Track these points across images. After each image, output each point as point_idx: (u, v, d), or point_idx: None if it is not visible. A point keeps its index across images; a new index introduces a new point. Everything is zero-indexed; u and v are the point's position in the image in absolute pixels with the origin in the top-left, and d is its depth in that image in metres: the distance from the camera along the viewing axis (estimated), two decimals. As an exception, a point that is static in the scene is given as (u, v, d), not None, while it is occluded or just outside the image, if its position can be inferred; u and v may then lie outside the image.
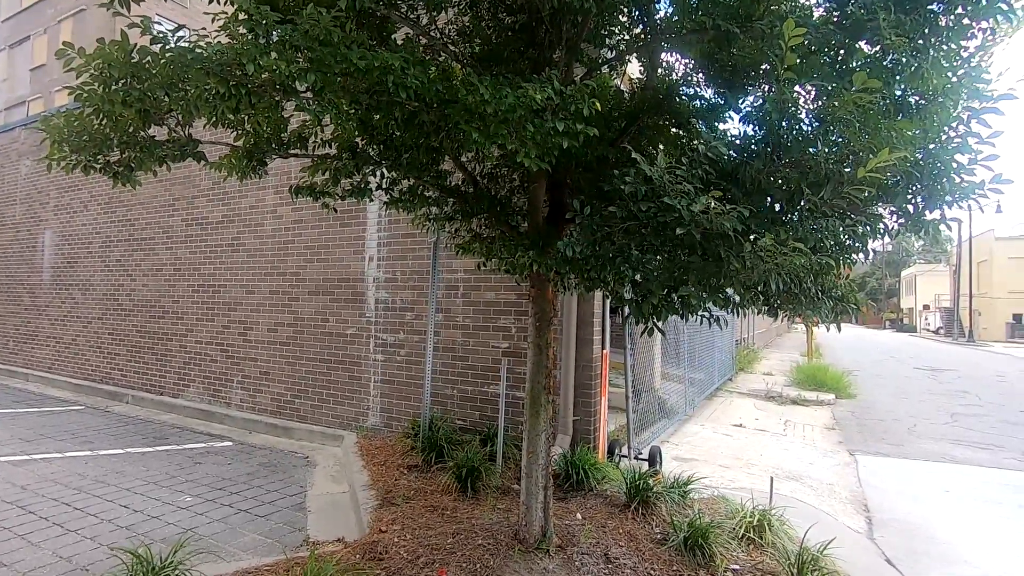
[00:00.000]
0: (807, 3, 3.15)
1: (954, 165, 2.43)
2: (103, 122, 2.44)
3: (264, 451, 6.66)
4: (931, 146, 2.54)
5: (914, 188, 2.50)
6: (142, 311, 9.40)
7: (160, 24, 2.48)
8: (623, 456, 5.95)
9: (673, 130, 4.19)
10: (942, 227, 2.77)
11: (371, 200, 3.83)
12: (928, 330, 50.20)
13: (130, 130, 2.57)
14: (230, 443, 6.96)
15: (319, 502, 5.07)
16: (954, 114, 2.56)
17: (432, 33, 3.79)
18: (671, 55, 4.21)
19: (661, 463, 5.77)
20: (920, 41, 2.35)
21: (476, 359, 6.23)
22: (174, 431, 7.49)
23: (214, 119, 2.55)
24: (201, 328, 8.61)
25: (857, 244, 2.80)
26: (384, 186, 3.82)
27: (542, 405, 4.01)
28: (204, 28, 2.58)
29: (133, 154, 2.65)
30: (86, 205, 10.43)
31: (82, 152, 2.53)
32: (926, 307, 54.25)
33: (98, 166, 2.63)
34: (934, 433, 8.93)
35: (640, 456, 5.99)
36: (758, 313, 3.03)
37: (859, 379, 14.43)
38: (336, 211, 4.15)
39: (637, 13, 3.92)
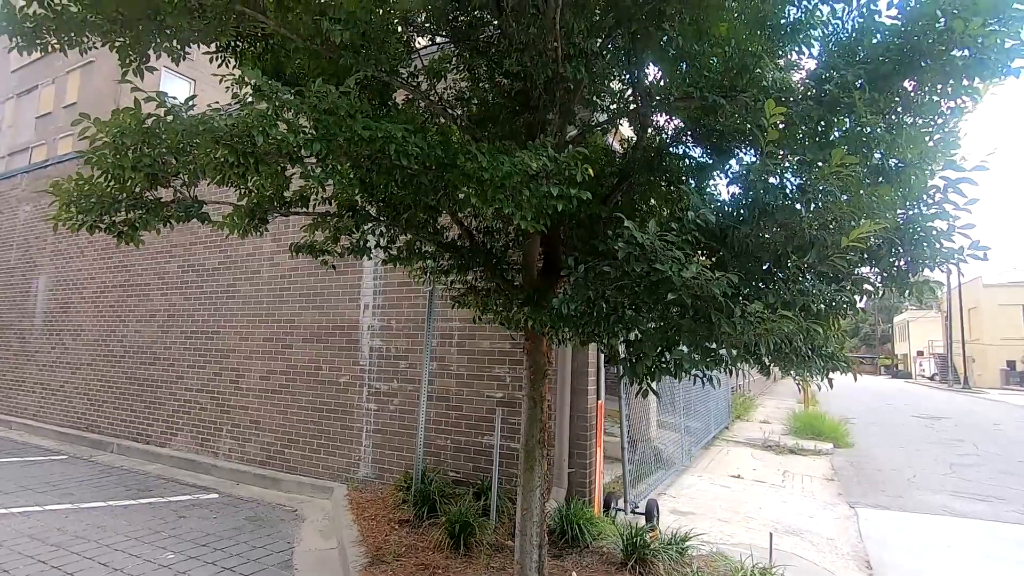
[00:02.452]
0: (787, 76, 3.34)
1: (934, 232, 2.53)
2: (112, 185, 2.52)
3: (251, 504, 6.49)
4: (911, 211, 2.65)
5: (896, 252, 2.59)
6: (133, 357, 9.31)
7: (167, 86, 2.59)
8: (619, 510, 5.84)
9: (664, 187, 4.34)
10: (925, 288, 2.85)
11: (369, 258, 3.90)
12: (923, 376, 50.15)
13: (137, 191, 2.65)
14: (216, 495, 6.78)
15: (307, 559, 4.92)
16: (931, 182, 2.68)
17: (431, 97, 3.95)
18: (661, 116, 4.39)
19: (658, 518, 5.66)
20: (893, 117, 2.49)
21: (470, 409, 6.18)
22: (159, 482, 7.30)
23: (220, 181, 2.63)
24: (192, 375, 8.52)
25: (845, 304, 2.87)
26: (382, 244, 3.90)
27: (536, 460, 3.97)
28: (217, 101, 2.70)
29: (139, 215, 2.72)
30: (83, 250, 10.48)
31: (89, 213, 2.59)
32: (920, 353, 54.37)
33: (103, 226, 2.69)
34: (933, 484, 8.82)
35: (637, 510, 5.88)
36: (750, 370, 3.07)
37: (856, 427, 14.33)
38: (335, 267, 4.22)
39: (628, 77, 4.12)
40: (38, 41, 2.71)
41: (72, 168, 10.50)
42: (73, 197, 2.58)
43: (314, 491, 6.81)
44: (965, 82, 2.40)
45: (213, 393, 8.23)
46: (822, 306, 2.73)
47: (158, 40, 2.94)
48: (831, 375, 3.05)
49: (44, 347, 10.81)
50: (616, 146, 5.18)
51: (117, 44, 2.84)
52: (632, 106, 4.06)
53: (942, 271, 2.66)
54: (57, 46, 2.77)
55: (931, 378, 46.88)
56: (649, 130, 4.34)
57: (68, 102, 26.92)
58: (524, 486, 3.94)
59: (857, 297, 2.87)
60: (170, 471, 7.86)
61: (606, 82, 3.81)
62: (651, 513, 5.64)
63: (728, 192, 3.61)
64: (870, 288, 2.83)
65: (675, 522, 5.80)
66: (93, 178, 2.55)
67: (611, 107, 4.22)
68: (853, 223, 2.27)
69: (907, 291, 2.88)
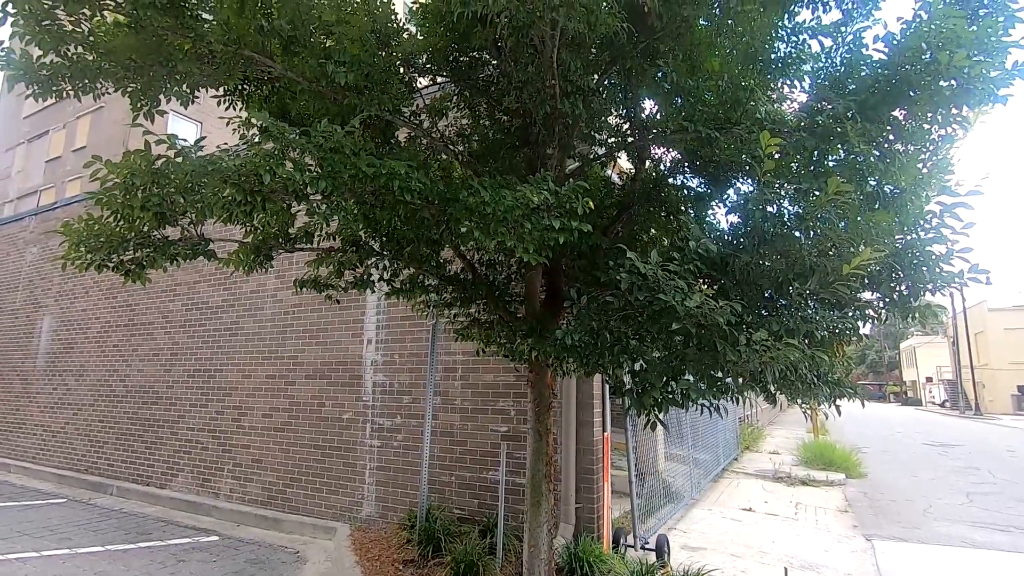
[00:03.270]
0: (781, 107, 3.43)
1: (932, 256, 2.55)
2: (121, 224, 2.57)
3: (252, 546, 6.34)
4: (909, 237, 2.68)
5: (897, 277, 2.61)
6: (135, 397, 9.26)
7: (176, 128, 2.66)
8: (629, 546, 5.69)
9: (663, 217, 4.39)
10: (928, 312, 2.86)
11: (373, 292, 3.93)
12: (933, 403, 49.42)
13: (145, 230, 2.70)
14: (216, 538, 6.64)
15: (309, 604, 4.78)
16: (926, 207, 2.72)
17: (433, 134, 4.05)
18: (658, 149, 4.48)
19: (669, 554, 5.52)
20: (886, 145, 2.55)
21: (475, 443, 6.10)
22: (158, 525, 7.16)
23: (226, 219, 2.68)
24: (194, 414, 8.45)
25: (848, 330, 2.87)
26: (386, 278, 3.93)
27: (543, 495, 3.91)
28: (225, 142, 2.77)
29: (146, 253, 2.77)
30: (88, 291, 10.54)
31: (98, 252, 2.63)
32: (929, 379, 53.72)
33: (111, 265, 2.73)
34: (950, 514, 8.60)
35: (647, 546, 5.73)
36: (756, 398, 3.05)
37: (868, 456, 14.05)
38: (339, 302, 4.24)
39: (625, 112, 4.23)
40: (54, 88, 2.81)
41: (80, 210, 10.64)
42: (83, 237, 2.62)
43: (316, 531, 6.66)
44: (954, 111, 2.46)
45: (215, 432, 8.14)
46: (825, 333, 2.73)
47: (168, 85, 3.04)
48: (838, 402, 3.02)
49: (46, 388, 10.76)
50: (615, 178, 5.27)
51: (130, 89, 2.94)
52: (630, 139, 4.15)
53: (943, 295, 2.67)
54: (71, 92, 2.86)
55: (941, 405, 46.17)
56: (647, 162, 4.43)
57: (78, 146, 27.52)
58: (531, 522, 3.87)
59: (861, 323, 2.87)
60: (170, 513, 7.72)
61: (604, 117, 3.90)
62: (662, 549, 5.50)
63: (727, 221, 3.66)
64: (873, 314, 2.83)
65: (687, 558, 5.64)
66: (102, 218, 2.61)
67: (609, 141, 4.31)
68: (852, 249, 2.29)
69: (910, 315, 2.88)
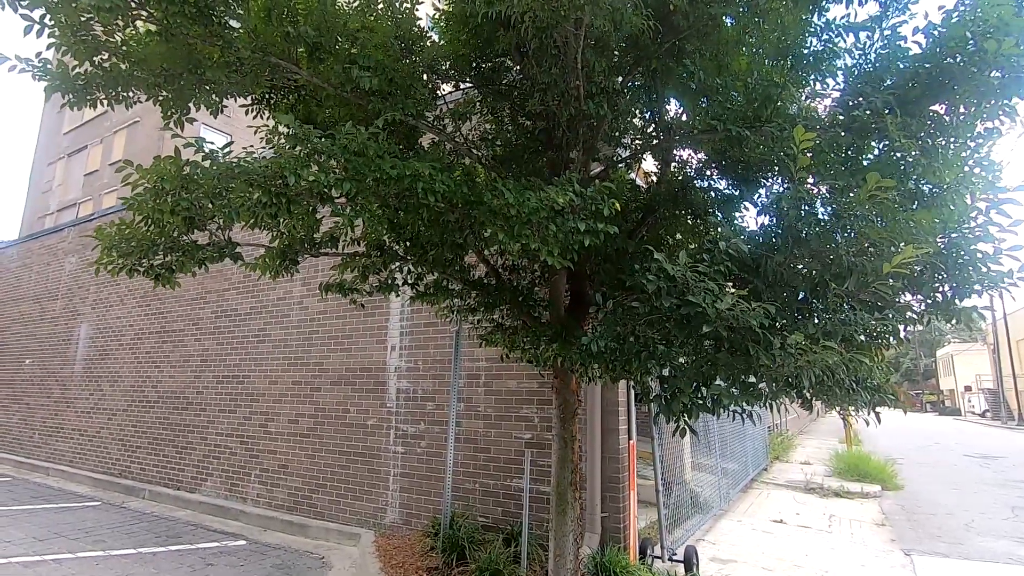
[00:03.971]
0: (812, 104, 3.33)
1: (979, 255, 2.43)
2: (151, 229, 2.61)
3: (279, 551, 6.38)
4: (953, 235, 2.56)
5: (940, 277, 2.49)
6: (166, 402, 9.45)
7: (206, 138, 2.70)
8: (656, 557, 5.56)
9: (689, 220, 4.31)
10: (974, 315, 2.72)
11: (398, 295, 3.93)
12: (973, 412, 47.54)
13: (175, 235, 2.74)
14: (244, 542, 6.70)
15: (334, 610, 4.77)
16: (971, 204, 2.60)
17: (457, 139, 4.05)
18: (684, 151, 4.40)
19: (698, 566, 5.37)
20: (929, 140, 2.44)
21: (498, 451, 6.05)
22: (188, 528, 7.27)
23: (253, 223, 2.71)
24: (223, 419, 8.58)
25: (888, 333, 2.75)
26: (410, 281, 3.93)
27: (569, 503, 3.84)
28: (252, 145, 2.80)
29: (176, 257, 2.81)
30: (122, 299, 10.84)
31: (129, 257, 2.68)
32: (968, 388, 51.73)
33: (142, 269, 2.78)
34: (994, 529, 8.21)
35: (674, 557, 5.58)
36: (791, 405, 2.94)
37: (904, 468, 13.55)
38: (364, 306, 4.25)
39: (649, 114, 4.17)
40: (88, 97, 2.89)
41: (116, 219, 10.93)
42: (115, 241, 2.68)
43: (341, 537, 6.68)
44: (1003, 102, 2.35)
45: (243, 437, 8.26)
46: (863, 337, 2.62)
47: (198, 94, 3.10)
48: (877, 409, 2.90)
49: (83, 394, 11.08)
50: (639, 182, 5.20)
51: (161, 98, 3.01)
52: (655, 141, 4.08)
53: (991, 295, 2.53)
54: (105, 101, 2.94)
55: (982, 415, 44.36)
56: (672, 165, 4.35)
57: (114, 159, 28.50)
58: (556, 531, 3.79)
59: (901, 326, 2.75)
60: (199, 517, 7.83)
61: (628, 118, 3.85)
62: (690, 561, 5.35)
63: (757, 223, 3.56)
64: (914, 316, 2.71)
65: (716, 571, 5.49)
66: (134, 223, 2.66)
67: (634, 143, 4.25)
68: (892, 248, 2.19)
69: (953, 318, 2.75)
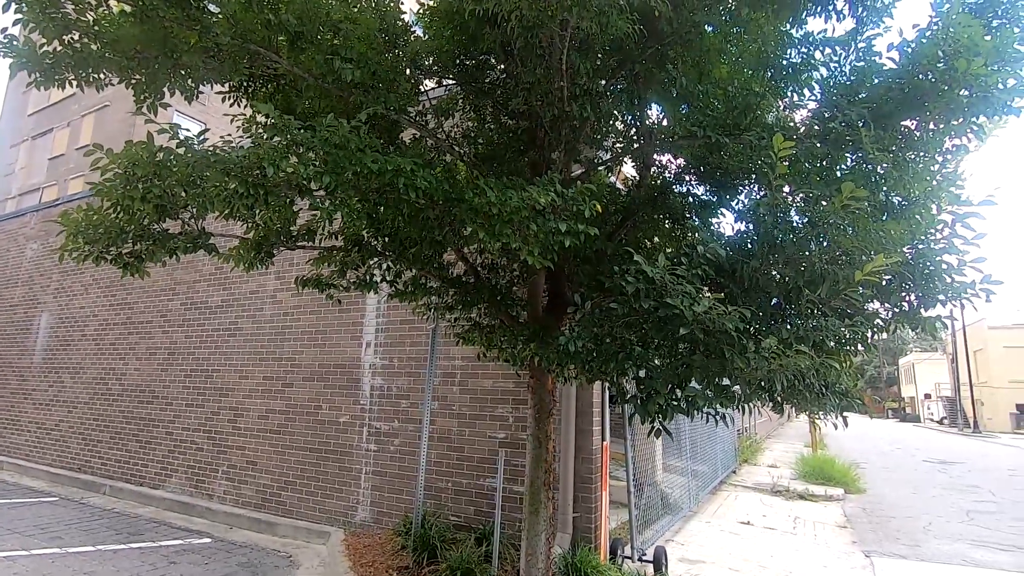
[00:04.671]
0: (790, 114, 3.40)
1: (944, 266, 2.51)
2: (120, 216, 2.53)
3: (245, 549, 6.25)
4: (920, 246, 2.64)
5: (907, 287, 2.56)
6: (131, 395, 9.18)
7: (180, 125, 2.63)
8: (626, 557, 5.61)
9: (668, 224, 4.36)
10: (937, 324, 2.81)
11: (376, 292, 3.88)
12: (932, 420, 49.20)
13: (145, 223, 2.66)
14: (209, 540, 6.55)
15: (301, 610, 4.69)
16: (938, 216, 2.68)
17: (439, 135, 4.02)
18: (664, 155, 4.45)
19: (666, 566, 5.44)
20: (900, 154, 2.51)
21: (472, 450, 6.03)
22: (151, 526, 7.07)
23: (228, 213, 2.64)
24: (190, 414, 8.37)
25: (857, 339, 2.82)
26: (388, 278, 3.89)
27: (541, 503, 3.85)
28: (229, 135, 2.74)
29: (146, 246, 2.72)
30: (87, 288, 10.49)
31: (96, 244, 2.59)
32: (927, 396, 53.51)
33: (109, 257, 2.69)
34: (950, 532, 8.51)
35: (644, 557, 5.65)
36: (763, 408, 3.00)
37: (867, 472, 13.95)
38: (340, 302, 4.19)
39: (631, 118, 4.20)
40: (57, 77, 2.78)
41: (82, 205, 10.59)
42: (81, 228, 2.58)
43: (310, 536, 6.58)
44: (971, 120, 2.43)
45: (210, 433, 8.07)
46: (832, 343, 2.68)
47: (173, 78, 3.01)
48: (845, 414, 2.97)
49: (41, 385, 10.69)
50: (619, 185, 5.24)
51: (133, 81, 2.91)
52: (636, 145, 4.12)
53: (955, 306, 2.62)
54: (74, 81, 2.83)
55: (940, 421, 45.97)
56: (652, 169, 4.39)
57: (81, 144, 27.57)
58: (528, 530, 3.80)
59: (869, 333, 2.82)
60: (163, 514, 7.63)
61: (611, 121, 3.87)
62: (659, 561, 5.42)
63: (734, 229, 3.62)
64: (881, 323, 2.79)
65: (685, 571, 5.56)
66: (102, 209, 2.57)
67: (615, 146, 4.28)
68: (864, 257, 2.25)
69: (918, 327, 2.84)
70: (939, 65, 2.34)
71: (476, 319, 4.29)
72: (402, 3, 3.71)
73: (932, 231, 2.75)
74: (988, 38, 2.28)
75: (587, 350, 2.82)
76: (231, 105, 3.82)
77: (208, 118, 25.37)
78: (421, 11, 3.87)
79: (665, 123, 4.09)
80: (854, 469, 12.73)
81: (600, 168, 4.43)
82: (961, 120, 2.43)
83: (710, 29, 3.40)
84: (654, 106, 4.16)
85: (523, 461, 5.11)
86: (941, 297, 2.55)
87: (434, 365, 6.20)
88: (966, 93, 2.37)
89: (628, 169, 5.17)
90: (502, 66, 3.89)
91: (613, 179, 5.05)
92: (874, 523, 8.99)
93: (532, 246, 2.65)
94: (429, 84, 4.38)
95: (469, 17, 2.96)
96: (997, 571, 6.67)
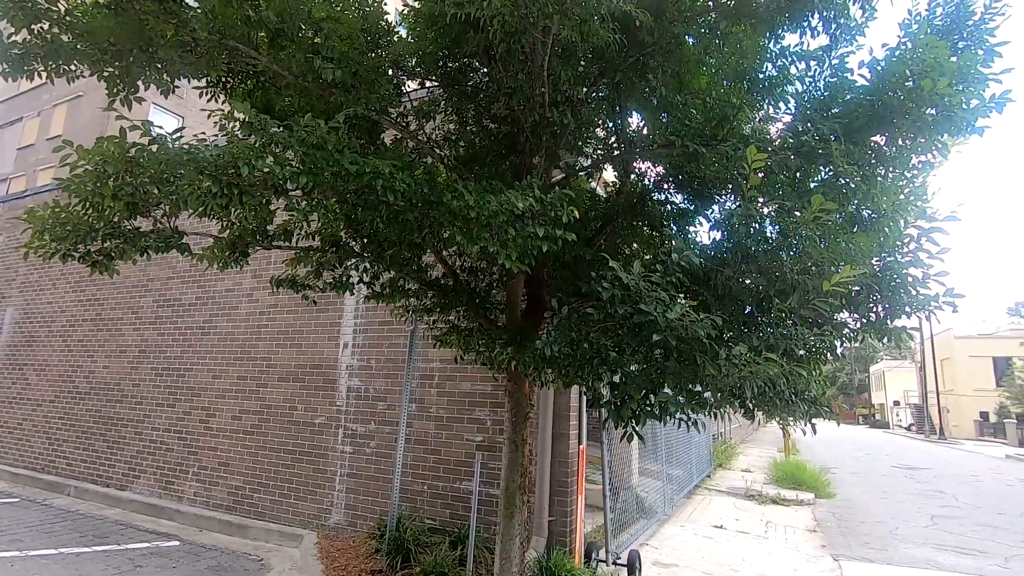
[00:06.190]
0: (765, 127, 3.47)
1: (909, 279, 2.59)
2: (89, 213, 2.47)
3: (215, 552, 6.13)
4: (888, 259, 2.72)
5: (875, 298, 2.64)
6: (99, 394, 8.95)
7: (154, 121, 2.57)
8: (601, 561, 5.64)
9: (647, 231, 4.41)
10: (903, 334, 2.90)
11: (352, 294, 3.85)
12: (900, 426, 50.47)
13: (115, 220, 2.60)
14: (177, 543, 6.41)
15: (271, 614, 4.62)
16: (905, 231, 2.76)
17: (419, 137, 4.01)
18: (643, 163, 4.50)
19: (640, 570, 5.48)
20: (869, 169, 2.59)
21: (449, 453, 6.01)
22: (117, 528, 6.89)
23: (202, 212, 2.60)
24: (160, 414, 8.19)
25: (826, 348, 2.89)
26: (366, 280, 3.86)
27: (517, 506, 3.85)
28: (204, 132, 2.69)
29: (115, 244, 2.66)
30: (55, 283, 10.20)
31: (63, 241, 2.53)
32: (896, 403, 54.88)
33: (77, 255, 2.62)
34: (916, 536, 8.73)
35: (618, 561, 5.68)
36: (734, 414, 3.05)
37: (837, 477, 14.25)
38: (316, 302, 4.14)
39: (611, 126, 4.25)
40: (26, 68, 2.71)
41: (50, 199, 10.34)
42: (48, 225, 2.51)
43: (282, 539, 6.48)
44: (936, 138, 2.51)
45: (181, 433, 7.90)
46: (802, 351, 2.74)
47: (148, 72, 2.95)
48: (814, 421, 3.04)
49: (4, 382, 10.35)
50: (600, 191, 5.28)
51: (106, 74, 2.85)
52: (616, 152, 4.16)
53: (919, 317, 2.70)
54: (44, 73, 2.76)
55: (908, 428, 47.19)
56: (632, 176, 4.44)
57: (52, 135, 26.82)
58: (503, 534, 3.80)
59: (837, 342, 2.89)
60: (129, 516, 7.44)
61: (591, 128, 3.91)
62: (633, 565, 5.46)
63: (710, 237, 3.68)
64: (850, 333, 2.86)
65: (658, 574, 5.61)
66: (70, 206, 2.50)
67: (595, 153, 4.32)
68: (833, 268, 2.31)
69: (885, 337, 2.91)
70: (907, 84, 2.42)
71: (454, 322, 4.28)
72: (385, 3, 3.69)
73: (899, 244, 2.84)
74: (953, 59, 2.36)
75: (564, 354, 2.84)
76: (208, 101, 3.76)
77: (186, 111, 24.92)
78: (405, 12, 3.86)
79: (645, 131, 4.13)
80: (825, 474, 12.99)
81: (580, 174, 4.46)
82: (927, 138, 2.52)
83: (690, 41, 3.45)
84: (635, 114, 4.21)
85: (500, 464, 5.11)
86: (907, 309, 2.63)
87: (412, 367, 6.16)
88: (932, 112, 2.45)
89: (608, 175, 5.22)
90: (485, 70, 3.89)
91: (594, 184, 5.09)
92: (843, 527, 9.18)
93: (510, 250, 2.65)
94: (412, 85, 4.37)
95: (452, 21, 2.96)
96: (959, 574, 6.86)
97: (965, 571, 7.01)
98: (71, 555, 5.75)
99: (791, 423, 3.01)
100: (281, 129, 2.29)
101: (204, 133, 2.73)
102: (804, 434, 2.93)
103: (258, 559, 5.96)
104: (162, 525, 7.10)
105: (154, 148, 2.35)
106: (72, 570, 5.28)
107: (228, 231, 3.17)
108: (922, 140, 2.54)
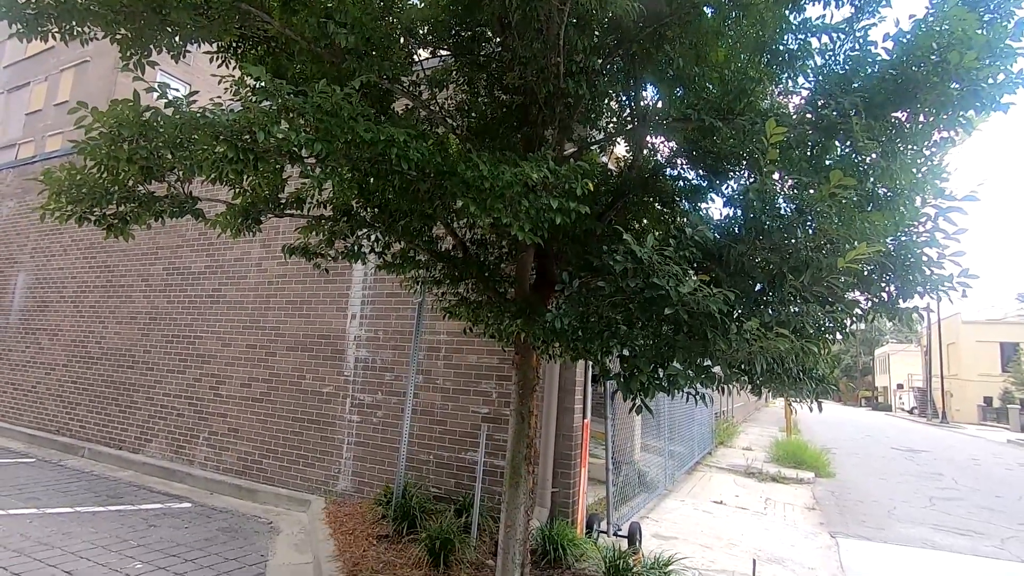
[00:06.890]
0: (784, 100, 3.41)
1: (924, 258, 2.57)
2: (104, 176, 2.47)
3: (225, 514, 6.30)
4: (903, 238, 2.69)
5: (888, 277, 2.62)
6: (110, 359, 9.09)
7: (169, 85, 2.55)
8: (602, 532, 5.76)
9: (658, 207, 4.37)
10: (914, 315, 2.89)
11: (364, 263, 3.86)
12: (903, 409, 50.64)
13: (130, 184, 2.61)
14: (189, 504, 6.58)
15: (280, 573, 4.77)
16: (922, 209, 2.73)
17: (432, 107, 3.97)
18: (656, 138, 4.45)
19: (641, 541, 5.59)
20: (889, 145, 2.54)
21: (455, 424, 6.10)
22: (130, 489, 7.08)
23: (215, 177, 2.60)
24: (171, 380, 8.33)
25: (836, 326, 2.89)
26: (377, 249, 3.87)
27: (522, 476, 3.92)
28: (218, 96, 2.68)
29: (131, 208, 2.67)
30: (66, 249, 10.29)
31: (79, 204, 2.54)
32: (900, 386, 54.96)
33: (93, 218, 2.64)
34: (913, 517, 8.84)
35: (619, 533, 5.80)
36: (741, 391, 3.07)
37: (837, 457, 14.38)
38: (328, 271, 4.17)
39: (625, 99, 4.18)
40: (40, 29, 2.68)
41: (59, 165, 10.37)
42: (64, 187, 2.53)
43: (291, 503, 6.64)
44: (960, 114, 2.46)
45: (192, 399, 8.04)
46: (812, 329, 2.74)
47: (160, 36, 2.92)
48: (821, 399, 3.05)
49: (18, 346, 10.53)
50: (611, 166, 5.23)
51: (119, 36, 2.82)
52: (629, 126, 4.11)
53: (932, 298, 2.69)
54: (58, 34, 2.74)
55: (910, 411, 47.34)
56: (644, 151, 4.39)
57: (60, 100, 26.69)
58: (508, 503, 3.87)
59: (848, 321, 2.89)
60: (142, 478, 7.63)
61: (606, 101, 3.85)
62: (634, 536, 5.57)
63: (722, 214, 3.65)
64: (860, 312, 2.85)
65: (658, 546, 5.73)
66: (85, 169, 2.51)
67: (609, 126, 4.27)
68: (848, 246, 2.29)
69: (896, 317, 2.91)
70: (932, 57, 2.36)
71: (463, 294, 4.30)
72: (399, -32, 3.61)
73: (915, 223, 2.81)
74: (981, 32, 2.30)
75: (573, 328, 2.85)
76: (219, 66, 3.73)
77: (193, 78, 24.71)
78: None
79: (660, 105, 4.07)
80: (825, 454, 13.12)
81: (593, 147, 4.41)
82: (950, 113, 2.47)
83: (709, 11, 3.37)
84: (649, 87, 4.14)
85: (505, 436, 5.18)
86: (920, 289, 2.62)
87: (419, 339, 6.22)
88: (957, 86, 2.40)
89: (620, 150, 5.16)
90: (498, 39, 3.82)
91: (605, 159, 5.04)
92: (842, 506, 9.30)
93: (523, 222, 2.65)
94: (423, 54, 4.31)
95: (467, -13, 2.90)
96: (955, 554, 6.96)
97: (961, 551, 7.11)
98: (87, 513, 5.93)
99: (797, 401, 3.03)
100: (295, 95, 2.27)
101: (219, 96, 2.72)
102: (811, 411, 2.95)
103: (267, 522, 6.12)
104: (174, 487, 7.29)
105: (169, 112, 2.34)
106: (88, 528, 5.45)
107: (241, 198, 3.17)
108: (945, 116, 2.49)
